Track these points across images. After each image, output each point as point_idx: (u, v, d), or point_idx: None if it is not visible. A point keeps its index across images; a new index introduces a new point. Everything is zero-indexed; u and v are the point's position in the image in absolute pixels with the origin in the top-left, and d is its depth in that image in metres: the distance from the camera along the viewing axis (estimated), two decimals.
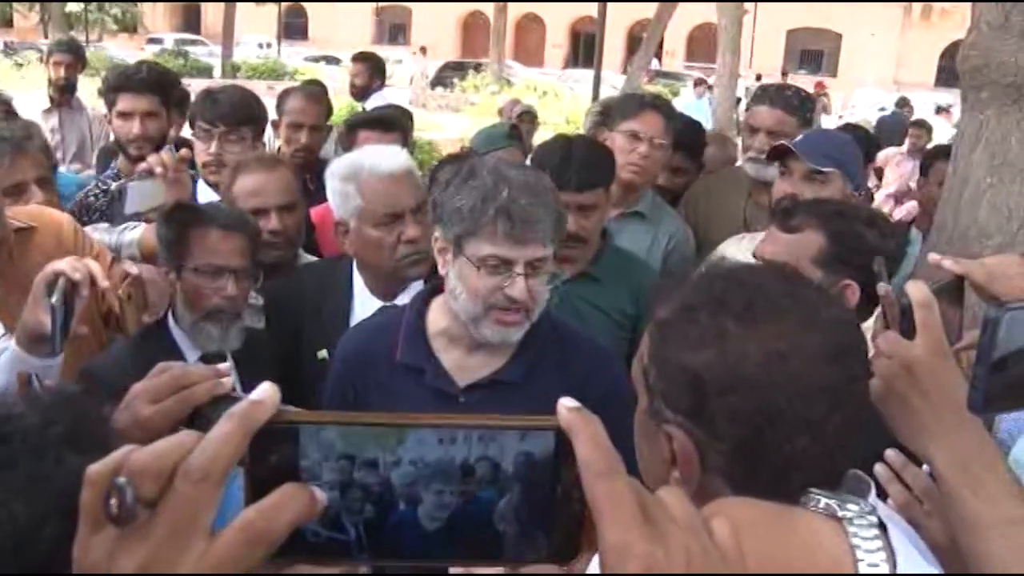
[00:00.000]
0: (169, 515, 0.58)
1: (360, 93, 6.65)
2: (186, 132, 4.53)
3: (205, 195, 3.36)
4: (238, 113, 3.42)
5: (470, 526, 0.62)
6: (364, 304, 2.60)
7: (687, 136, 3.99)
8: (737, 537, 0.65)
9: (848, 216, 2.18)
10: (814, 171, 2.85)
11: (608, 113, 4.41)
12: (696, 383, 1.03)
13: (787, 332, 1.03)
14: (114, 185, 3.41)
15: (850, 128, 4.91)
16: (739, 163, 4.33)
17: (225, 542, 0.58)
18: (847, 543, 0.95)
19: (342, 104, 11.49)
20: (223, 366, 1.30)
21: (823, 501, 0.98)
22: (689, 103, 15.28)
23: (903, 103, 16.25)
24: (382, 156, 2.61)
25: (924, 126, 9.83)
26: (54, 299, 1.82)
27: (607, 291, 2.83)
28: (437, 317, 2.14)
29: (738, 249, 2.91)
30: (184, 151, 2.92)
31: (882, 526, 0.98)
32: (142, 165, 2.76)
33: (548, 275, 2.05)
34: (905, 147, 9.30)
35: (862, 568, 0.94)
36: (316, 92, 4.44)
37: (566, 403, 0.62)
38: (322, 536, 0.62)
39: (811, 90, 3.77)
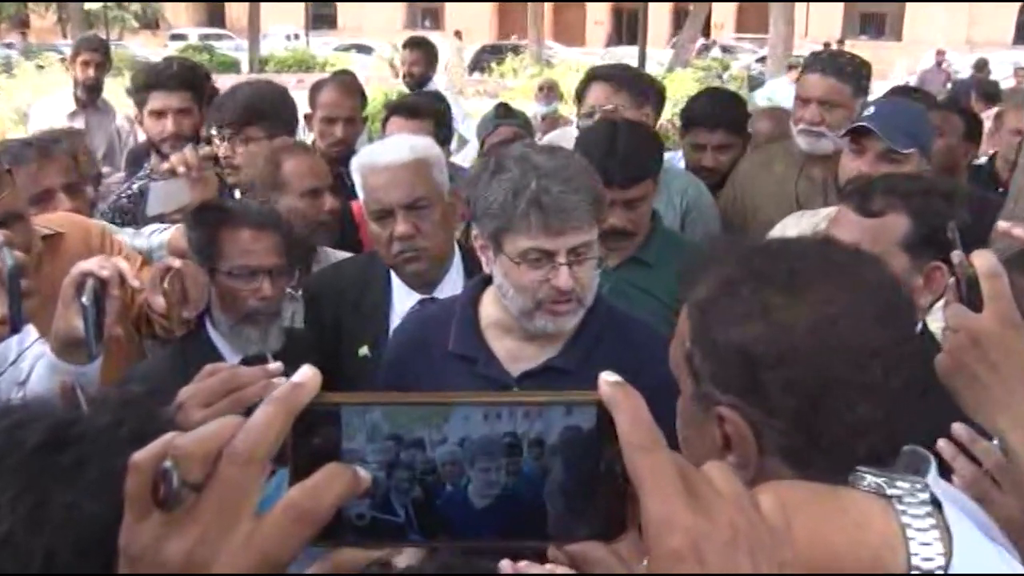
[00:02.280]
0: (215, 497, 0.61)
1: (418, 82, 6.55)
2: None
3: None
4: (242, 114, 3.49)
5: (519, 504, 0.65)
6: (402, 298, 2.66)
7: (727, 111, 4.01)
8: (785, 513, 0.66)
9: (931, 193, 2.15)
10: (892, 151, 2.81)
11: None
12: (746, 359, 1.05)
13: (833, 297, 1.05)
14: (136, 186, 3.48)
15: (905, 91, 4.79)
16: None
17: (271, 522, 0.61)
18: (897, 523, 0.96)
19: (375, 94, 11.56)
20: (273, 366, 1.33)
21: (870, 479, 0.99)
22: (785, 87, 14.41)
23: (981, 65, 15.82)
24: (383, 148, 2.67)
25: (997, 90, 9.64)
26: (84, 299, 1.85)
27: (658, 275, 2.84)
28: (489, 307, 2.19)
29: (797, 227, 2.89)
30: (208, 148, 2.98)
31: (936, 504, 0.99)
32: (164, 164, 2.81)
33: (596, 259, 2.08)
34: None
35: (913, 548, 0.95)
36: (350, 83, 4.49)
37: (607, 377, 0.65)
38: (367, 519, 0.65)
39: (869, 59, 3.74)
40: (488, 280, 2.21)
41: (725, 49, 31.27)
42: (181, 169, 2.64)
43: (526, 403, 0.65)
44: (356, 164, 2.64)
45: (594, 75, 3.84)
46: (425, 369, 2.20)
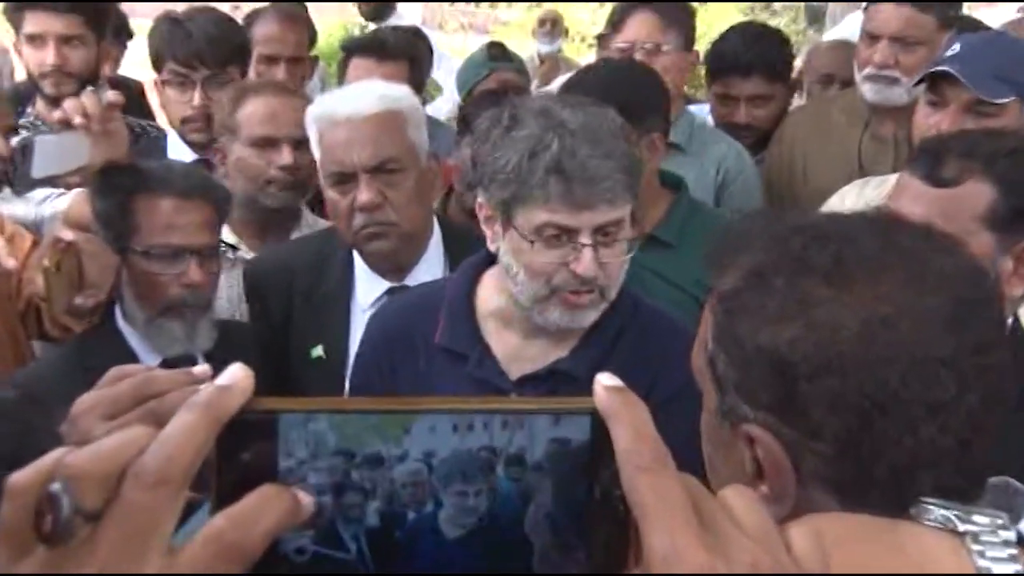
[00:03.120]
0: (117, 529, 0.59)
1: (375, 12, 6.46)
2: (128, 70, 4.55)
3: (179, 157, 3.43)
4: (221, 49, 3.45)
5: (496, 535, 0.66)
6: (367, 286, 2.67)
7: (764, 52, 3.93)
8: (824, 551, 0.66)
9: (1021, 154, 2.12)
10: (981, 101, 2.76)
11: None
12: (779, 367, 1.05)
13: (891, 292, 1.04)
14: (15, 140, 3.42)
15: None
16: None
17: (189, 558, 0.59)
18: (972, 565, 0.95)
19: (332, 28, 11.47)
20: (200, 369, 1.32)
21: (939, 511, 0.98)
22: None
23: None
24: (346, 96, 2.66)
25: None
26: None
27: (681, 258, 2.83)
28: (489, 294, 2.21)
29: (859, 199, 2.89)
30: (113, 94, 2.91)
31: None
32: (56, 113, 2.77)
33: (626, 242, 2.09)
34: None
35: None
36: (294, 13, 4.43)
37: (604, 381, 0.64)
38: (308, 553, 0.65)
39: None
40: (490, 260, 2.22)
41: None
42: (78, 119, 2.58)
43: (504, 411, 0.65)
44: (312, 115, 2.63)
45: (635, 4, 3.69)
46: (406, 367, 2.22)
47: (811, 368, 1.03)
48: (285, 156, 3.00)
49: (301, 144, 3.00)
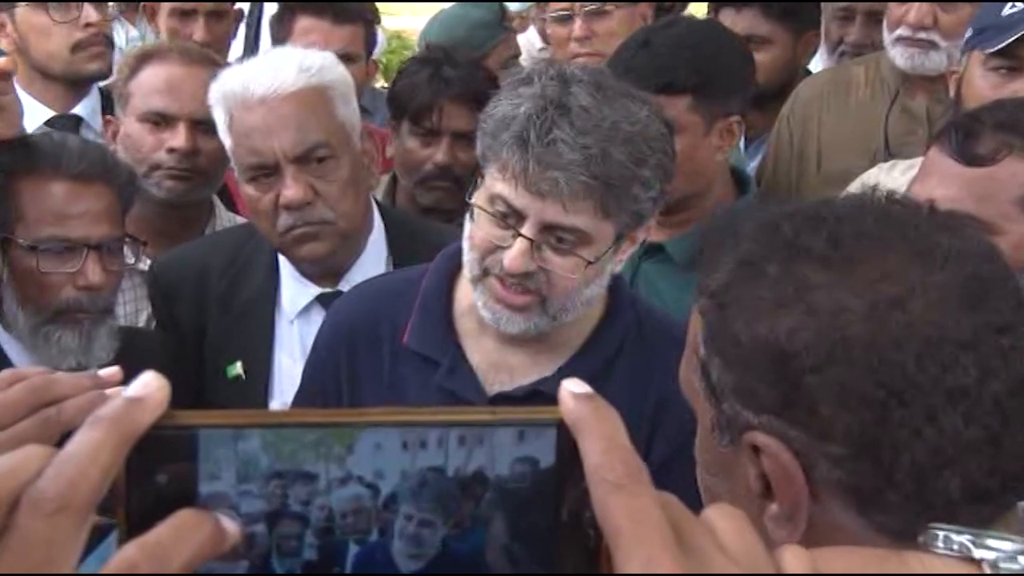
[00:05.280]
0: (12, 563, 0.59)
1: None
2: None
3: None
4: None
5: (453, 566, 0.68)
6: (293, 292, 2.68)
7: None
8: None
9: None
10: None
11: None
12: (780, 360, 1.10)
13: (895, 270, 1.10)
14: None
15: None
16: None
17: None
18: None
19: None
20: (108, 372, 1.34)
21: (951, 538, 1.02)
22: None
23: None
24: (259, 69, 2.60)
25: None
26: None
27: (686, 280, 2.76)
28: (468, 287, 2.20)
29: (888, 182, 2.90)
30: (5, 60, 2.91)
31: None
32: None
33: (589, 261, 2.05)
34: None
35: None
36: None
37: (571, 387, 0.68)
38: None
39: None
40: None
41: None
42: None
43: (459, 423, 0.68)
44: (219, 92, 2.58)
45: None
46: (368, 370, 2.24)
47: (815, 358, 1.08)
48: (180, 137, 3.00)
49: (205, 127, 2.98)
